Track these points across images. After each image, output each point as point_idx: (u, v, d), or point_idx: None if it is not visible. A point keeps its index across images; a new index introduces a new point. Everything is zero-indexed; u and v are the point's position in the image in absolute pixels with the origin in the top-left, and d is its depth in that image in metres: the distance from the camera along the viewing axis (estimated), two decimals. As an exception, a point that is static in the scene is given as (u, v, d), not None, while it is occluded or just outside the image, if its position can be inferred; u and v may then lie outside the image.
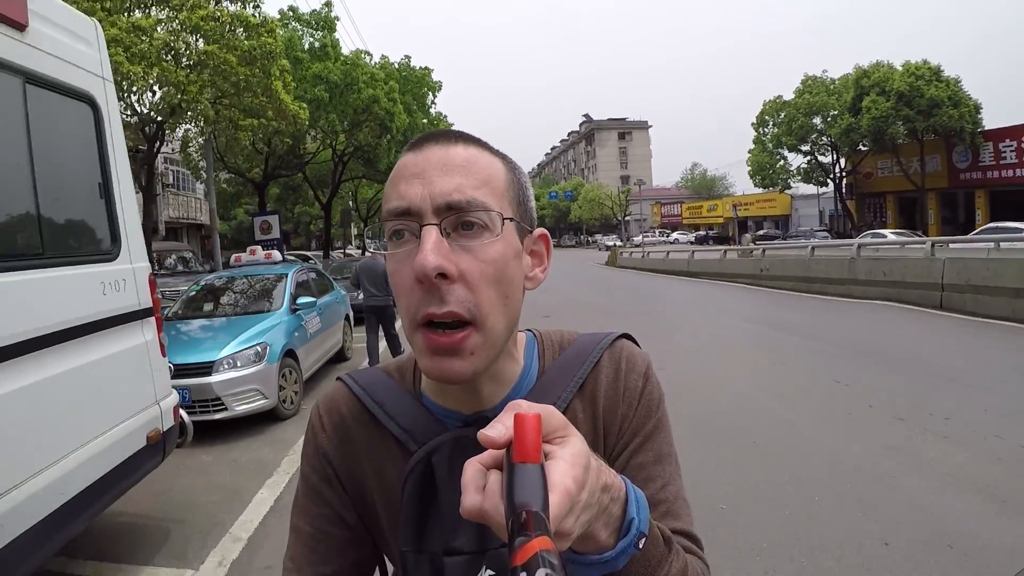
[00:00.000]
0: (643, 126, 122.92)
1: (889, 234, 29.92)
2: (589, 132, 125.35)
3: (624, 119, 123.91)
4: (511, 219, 0.87)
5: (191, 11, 15.06)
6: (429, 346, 0.84)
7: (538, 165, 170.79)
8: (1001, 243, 17.10)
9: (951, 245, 16.94)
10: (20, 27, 3.30)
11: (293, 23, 26.58)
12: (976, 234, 23.05)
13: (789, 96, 51.72)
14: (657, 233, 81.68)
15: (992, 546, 3.96)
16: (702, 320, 14.20)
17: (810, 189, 57.84)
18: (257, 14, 16.59)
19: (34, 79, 3.43)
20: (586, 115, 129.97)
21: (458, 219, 0.83)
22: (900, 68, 41.58)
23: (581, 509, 0.64)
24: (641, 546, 0.76)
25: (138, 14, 15.06)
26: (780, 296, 18.13)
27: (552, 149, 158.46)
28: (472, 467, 0.65)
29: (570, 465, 0.64)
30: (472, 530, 0.90)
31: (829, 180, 52.16)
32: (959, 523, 4.31)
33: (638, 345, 1.07)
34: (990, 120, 39.47)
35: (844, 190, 51.71)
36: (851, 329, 11.87)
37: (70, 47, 3.84)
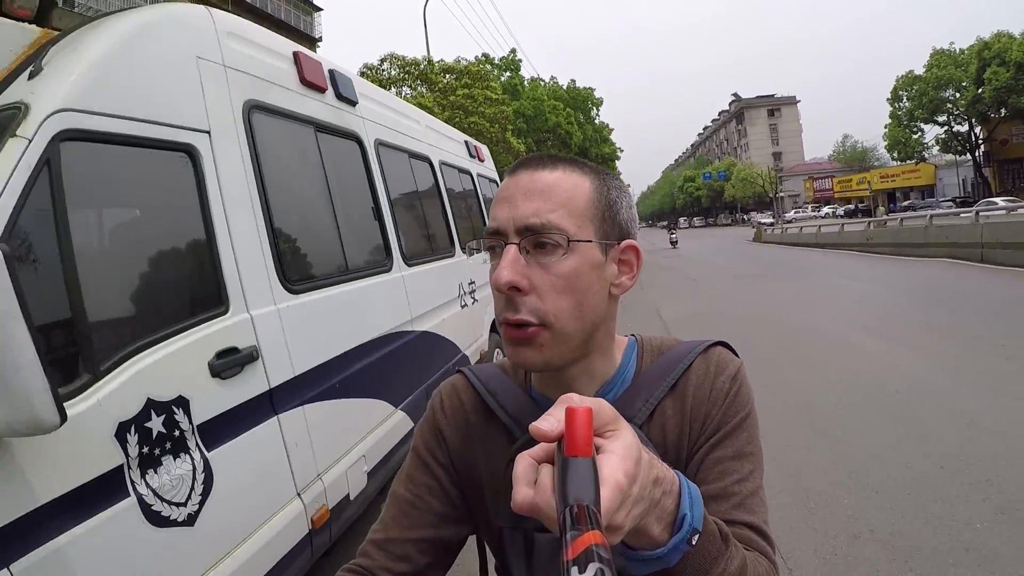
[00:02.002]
0: (791, 101, 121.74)
1: (1000, 202, 31.49)
2: (739, 111, 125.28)
3: (772, 95, 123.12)
4: (583, 240, 0.96)
5: (451, 93, 21.89)
6: (508, 338, 0.97)
7: (692, 146, 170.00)
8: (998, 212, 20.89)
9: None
10: (481, 160, 8.16)
11: (486, 66, 33.11)
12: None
13: (920, 71, 52.03)
14: (810, 208, 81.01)
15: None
16: (800, 276, 18.79)
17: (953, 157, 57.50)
18: (491, 91, 23.37)
19: (483, 176, 8.31)
20: (735, 94, 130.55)
21: (535, 239, 0.94)
22: (1019, 37, 42.96)
23: (632, 503, 0.66)
24: (695, 542, 0.77)
25: (407, 91, 22.25)
26: (872, 258, 22.01)
27: (704, 129, 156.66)
28: (524, 461, 0.66)
29: (621, 459, 0.65)
30: None
31: (966, 149, 52.38)
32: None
33: (735, 353, 1.11)
34: None
35: (982, 158, 51.85)
36: (894, 276, 16.54)
37: (490, 165, 9.05)
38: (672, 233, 44.07)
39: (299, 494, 3.00)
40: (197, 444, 2.41)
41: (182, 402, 2.36)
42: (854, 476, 4.76)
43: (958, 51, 50.55)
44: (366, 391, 3.86)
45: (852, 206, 66.97)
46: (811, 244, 31.39)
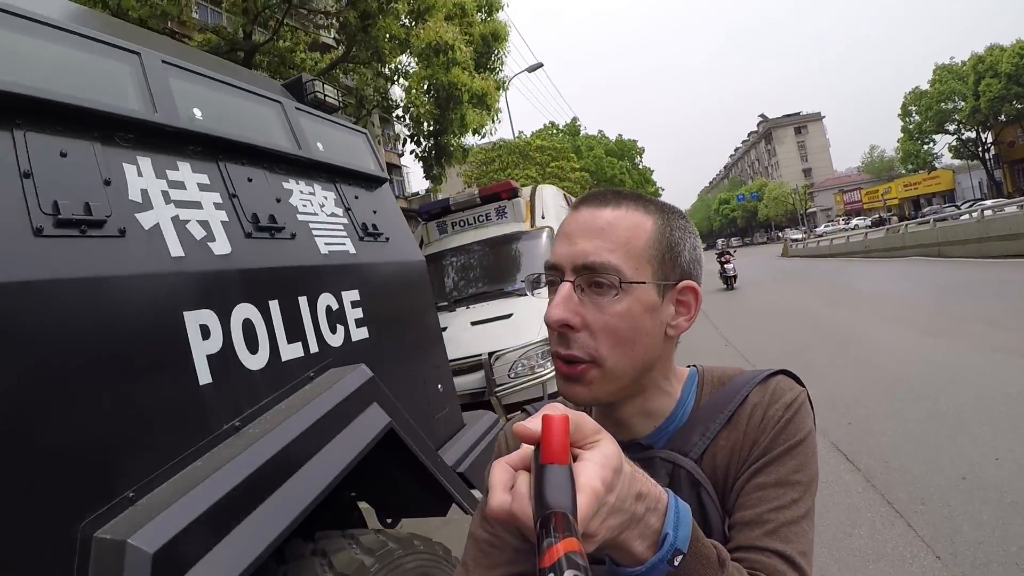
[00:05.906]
0: (816, 118, 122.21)
1: (988, 203, 33.57)
2: (766, 131, 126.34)
3: (798, 113, 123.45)
4: (637, 282, 0.96)
5: (547, 166, 28.48)
6: (560, 372, 0.99)
7: (724, 167, 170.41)
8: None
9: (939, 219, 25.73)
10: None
11: (553, 130, 41.20)
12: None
13: (925, 86, 54.92)
14: (840, 221, 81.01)
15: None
16: (794, 278, 24.00)
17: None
18: (573, 162, 30.50)
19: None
20: (762, 115, 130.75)
21: (590, 278, 0.96)
22: (1008, 48, 44.85)
23: (608, 512, 0.66)
24: (677, 563, 0.76)
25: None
26: (867, 261, 27.12)
27: (735, 150, 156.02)
28: (500, 467, 0.67)
29: (599, 467, 0.65)
30: None
31: (976, 153, 55.35)
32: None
33: (799, 382, 1.07)
34: None
35: (992, 161, 54.59)
36: (876, 272, 21.61)
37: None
38: (724, 257, 24.19)
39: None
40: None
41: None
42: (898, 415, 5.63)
43: (959, 64, 52.78)
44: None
45: (877, 216, 68.50)
46: (825, 255, 37.11)
